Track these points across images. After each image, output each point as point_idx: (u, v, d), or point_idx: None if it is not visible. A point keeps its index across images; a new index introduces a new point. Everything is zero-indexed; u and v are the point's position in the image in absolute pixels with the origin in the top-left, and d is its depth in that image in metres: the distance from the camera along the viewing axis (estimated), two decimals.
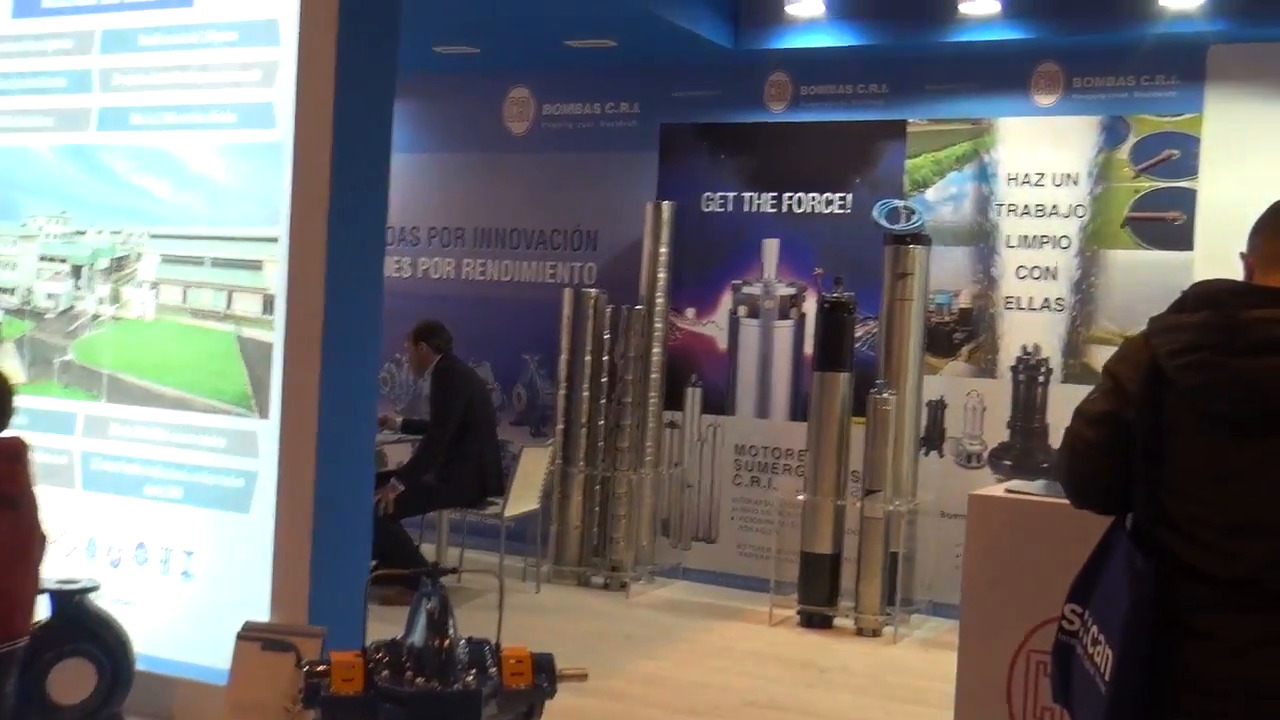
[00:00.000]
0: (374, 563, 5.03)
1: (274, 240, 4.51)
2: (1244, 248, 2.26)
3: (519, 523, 7.01)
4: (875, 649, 6.25)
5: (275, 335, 4.49)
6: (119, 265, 4.84)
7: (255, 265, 4.57)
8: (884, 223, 6.78)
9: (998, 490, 3.24)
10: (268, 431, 4.48)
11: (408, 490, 6.54)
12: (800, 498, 6.64)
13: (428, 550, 7.09)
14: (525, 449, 6.77)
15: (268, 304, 4.53)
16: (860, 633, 6.46)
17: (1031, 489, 3.26)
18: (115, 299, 4.83)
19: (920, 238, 6.66)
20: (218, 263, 4.67)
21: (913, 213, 6.82)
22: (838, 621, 6.56)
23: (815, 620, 6.56)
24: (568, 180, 7.93)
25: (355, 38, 4.42)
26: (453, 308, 7.72)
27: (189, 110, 4.71)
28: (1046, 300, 6.70)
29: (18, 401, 3.56)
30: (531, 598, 6.90)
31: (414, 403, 8.16)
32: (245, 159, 4.60)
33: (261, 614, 4.36)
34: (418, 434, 7.05)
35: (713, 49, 7.16)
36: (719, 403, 7.48)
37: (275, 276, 4.49)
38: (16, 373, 4.74)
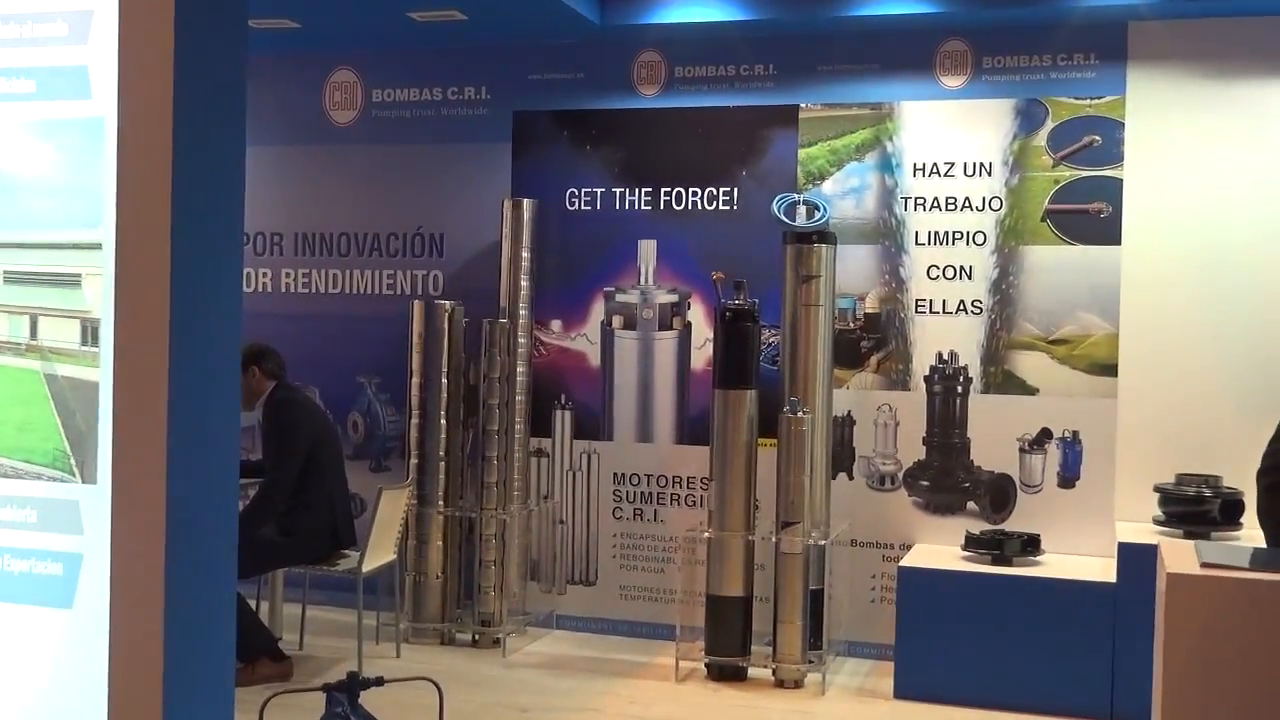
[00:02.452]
0: None
1: (95, 247, 3.39)
2: None
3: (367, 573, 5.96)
4: (807, 704, 5.47)
5: (101, 373, 3.38)
6: None
7: (70, 281, 3.45)
8: (784, 219, 6.03)
9: (1192, 562, 2.44)
10: (95, 500, 3.37)
11: (243, 546, 5.37)
12: (706, 535, 5.83)
13: (261, 612, 5.98)
14: (384, 491, 5.72)
15: (89, 332, 3.42)
16: (781, 684, 5.68)
17: (1237, 560, 2.51)
18: None
19: (826, 235, 5.95)
20: (15, 278, 3.53)
21: (816, 208, 6.09)
22: (752, 672, 5.78)
23: (727, 672, 5.75)
24: (405, 176, 6.91)
25: None
26: (271, 326, 6.61)
27: None
28: (962, 303, 6.08)
29: None
30: (393, 663, 5.85)
31: None
32: (51, 140, 3.47)
33: None
34: (248, 477, 5.90)
35: (574, 24, 6.28)
36: (593, 427, 6.60)
37: (98, 295, 3.39)
38: None
